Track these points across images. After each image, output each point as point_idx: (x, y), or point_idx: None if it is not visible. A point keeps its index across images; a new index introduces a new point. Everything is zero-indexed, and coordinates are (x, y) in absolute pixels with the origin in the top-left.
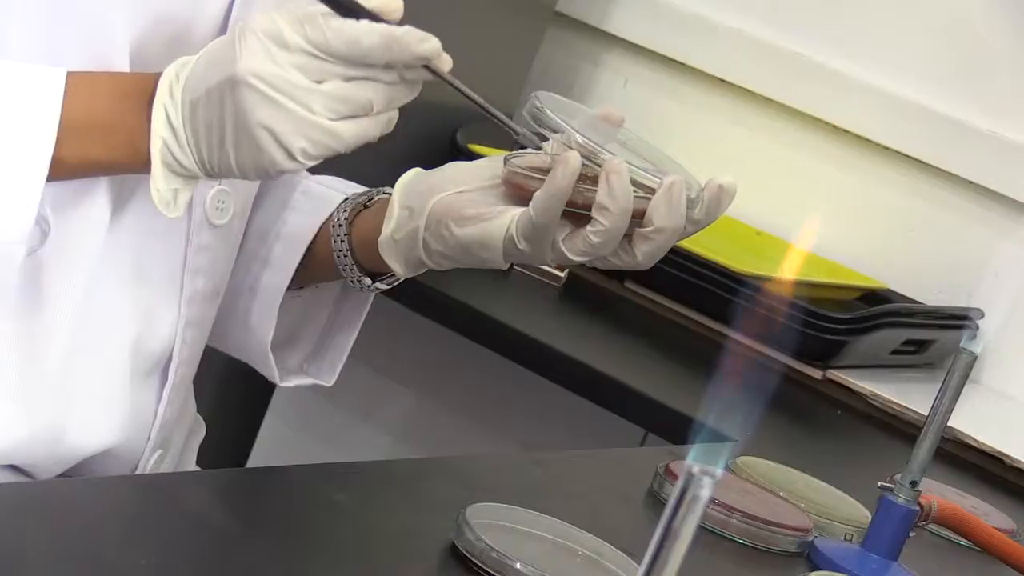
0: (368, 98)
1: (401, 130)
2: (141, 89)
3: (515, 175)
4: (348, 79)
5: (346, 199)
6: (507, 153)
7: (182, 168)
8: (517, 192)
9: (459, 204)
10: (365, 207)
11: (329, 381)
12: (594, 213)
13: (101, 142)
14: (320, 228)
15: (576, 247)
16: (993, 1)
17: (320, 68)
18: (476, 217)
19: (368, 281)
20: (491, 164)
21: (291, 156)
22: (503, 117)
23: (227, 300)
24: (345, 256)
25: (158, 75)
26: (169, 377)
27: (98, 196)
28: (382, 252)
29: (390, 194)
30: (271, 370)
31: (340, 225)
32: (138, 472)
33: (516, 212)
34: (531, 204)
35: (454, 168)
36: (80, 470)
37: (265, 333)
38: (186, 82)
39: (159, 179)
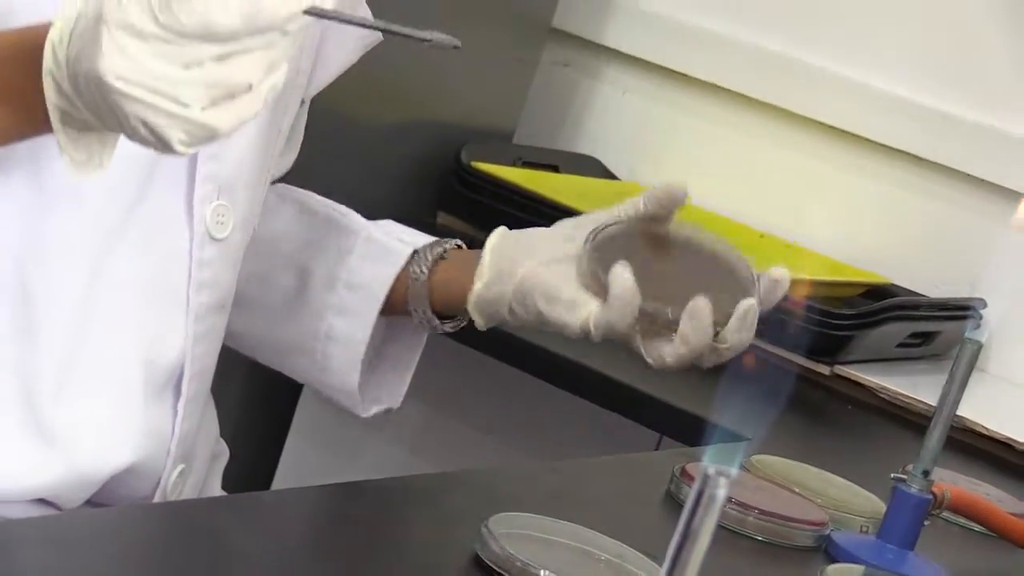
0: (244, 80)
1: (406, 149)
2: (28, 48)
3: (592, 276)
4: (221, 57)
5: (417, 251)
6: (589, 230)
7: (86, 126)
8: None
9: (548, 281)
10: (441, 258)
11: (396, 403)
12: (676, 339)
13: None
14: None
15: (653, 354)
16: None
17: (184, 53)
18: (559, 300)
19: (437, 323)
20: (575, 232)
21: (170, 147)
22: (407, 31)
23: (300, 345)
24: (424, 306)
25: (43, 30)
26: (183, 391)
27: (96, 210)
28: (469, 307)
29: (460, 246)
30: (356, 406)
31: (418, 280)
32: (161, 486)
33: (594, 308)
34: (606, 310)
35: (541, 237)
36: (105, 492)
37: (351, 380)
38: (66, 55)
39: (67, 146)
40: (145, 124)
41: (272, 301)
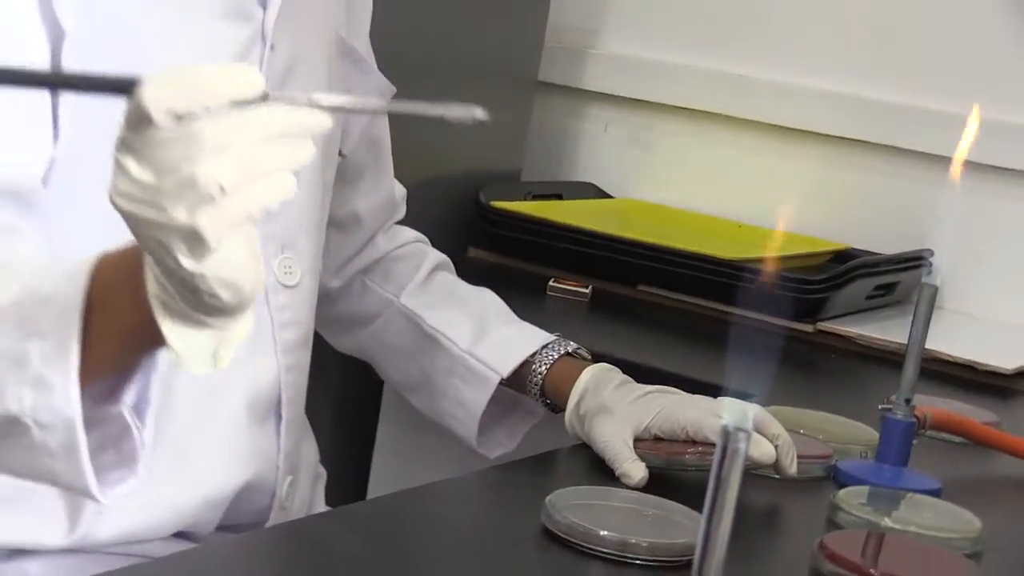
0: (212, 178)
1: (434, 198)
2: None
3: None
4: (188, 158)
5: (545, 346)
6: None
7: (186, 318)
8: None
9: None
10: (568, 355)
11: (512, 446)
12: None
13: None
14: (488, 401)
15: None
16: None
17: (159, 157)
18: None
19: (546, 410)
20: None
21: (179, 264)
22: (423, 109)
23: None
24: (537, 397)
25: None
26: (283, 415)
27: None
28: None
29: (571, 352)
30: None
31: (537, 374)
32: (277, 496)
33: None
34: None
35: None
36: (232, 512)
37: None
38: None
39: (173, 339)
40: (157, 242)
41: (414, 386)
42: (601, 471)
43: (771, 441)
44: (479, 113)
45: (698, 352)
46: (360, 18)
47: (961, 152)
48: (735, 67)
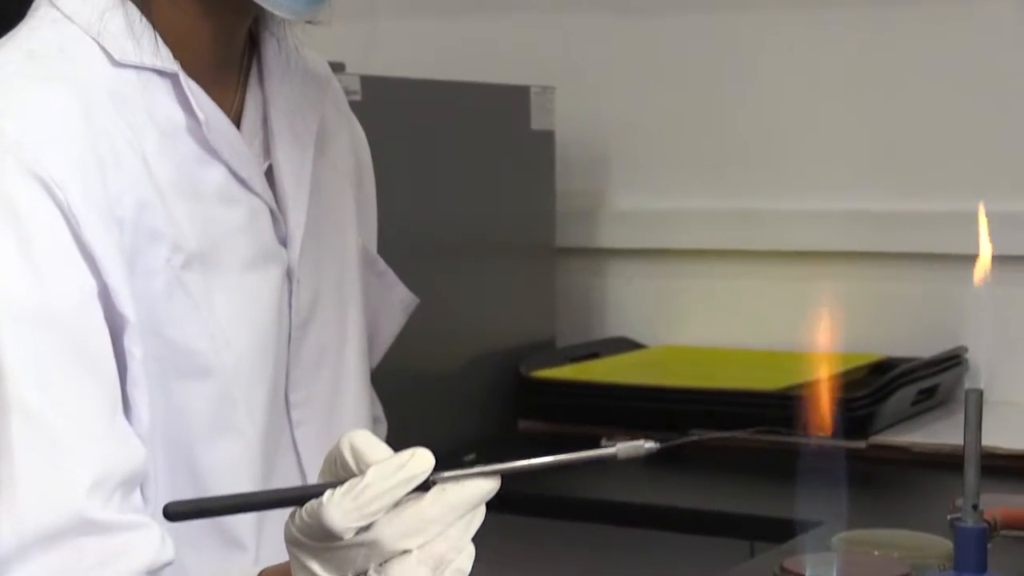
0: None
1: (473, 375)
2: None
3: None
4: (378, 568)
5: None
6: None
7: None
8: None
9: None
10: None
11: None
12: None
13: None
14: None
15: None
16: (879, 113)
17: (345, 561)
18: None
19: None
20: None
21: None
22: (589, 455)
23: None
24: None
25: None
26: None
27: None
28: None
29: None
30: None
31: None
32: None
33: None
34: None
35: None
36: None
37: None
38: None
39: None
40: None
41: None
42: None
43: None
44: (648, 444)
45: (762, 488)
46: (368, 215)
47: (984, 249)
48: (742, 202)
